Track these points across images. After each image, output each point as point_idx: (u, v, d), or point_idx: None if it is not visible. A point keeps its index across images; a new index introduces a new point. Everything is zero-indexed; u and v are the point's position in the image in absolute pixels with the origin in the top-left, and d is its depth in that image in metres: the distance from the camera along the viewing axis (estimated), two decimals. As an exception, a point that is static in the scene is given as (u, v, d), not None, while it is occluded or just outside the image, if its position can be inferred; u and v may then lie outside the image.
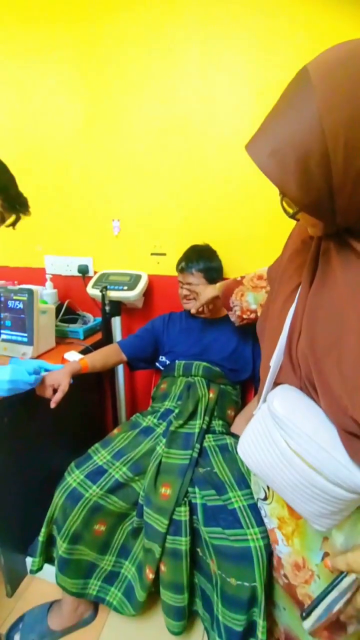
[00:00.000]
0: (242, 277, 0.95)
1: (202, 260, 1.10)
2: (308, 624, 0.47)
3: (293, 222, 0.68)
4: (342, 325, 0.46)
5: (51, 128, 1.29)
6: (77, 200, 1.34)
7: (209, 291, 1.01)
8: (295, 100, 0.40)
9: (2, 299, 1.06)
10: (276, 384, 0.57)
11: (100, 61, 1.18)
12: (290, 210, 0.48)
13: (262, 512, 0.70)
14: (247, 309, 0.91)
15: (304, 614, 0.48)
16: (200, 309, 1.04)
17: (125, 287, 1.23)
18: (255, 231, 1.19)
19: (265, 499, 0.68)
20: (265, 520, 0.68)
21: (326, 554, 0.55)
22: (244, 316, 0.93)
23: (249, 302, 0.91)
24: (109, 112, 1.22)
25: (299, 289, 0.56)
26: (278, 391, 0.53)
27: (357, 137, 0.37)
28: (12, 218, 0.79)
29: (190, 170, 1.20)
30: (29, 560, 1.03)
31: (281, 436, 0.50)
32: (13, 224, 0.80)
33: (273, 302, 0.63)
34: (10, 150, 1.35)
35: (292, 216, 0.48)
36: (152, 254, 1.31)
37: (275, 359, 0.56)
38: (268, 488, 0.67)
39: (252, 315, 0.91)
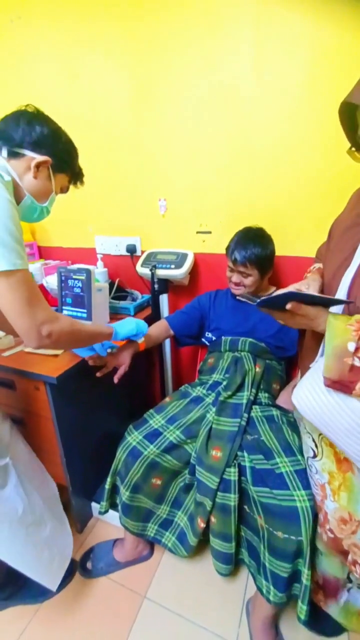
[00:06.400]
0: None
1: (257, 249, 1.04)
2: None
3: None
4: None
5: (98, 108, 1.32)
6: (124, 181, 1.38)
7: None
8: None
9: (63, 278, 1.16)
10: None
11: (147, 37, 1.16)
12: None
13: (314, 470, 0.75)
14: None
15: None
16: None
17: (172, 266, 1.28)
18: (304, 211, 1.15)
19: (315, 456, 0.73)
20: (317, 476, 0.73)
21: None
22: None
23: None
24: (156, 91, 1.21)
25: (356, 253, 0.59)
26: None
27: None
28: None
29: (236, 148, 1.17)
30: (94, 505, 1.20)
31: None
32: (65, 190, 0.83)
33: (330, 261, 0.66)
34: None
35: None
36: (197, 232, 1.33)
37: None
38: (316, 446, 0.72)
39: None
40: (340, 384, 0.55)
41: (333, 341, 0.55)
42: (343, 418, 0.56)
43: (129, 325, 0.96)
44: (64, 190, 0.80)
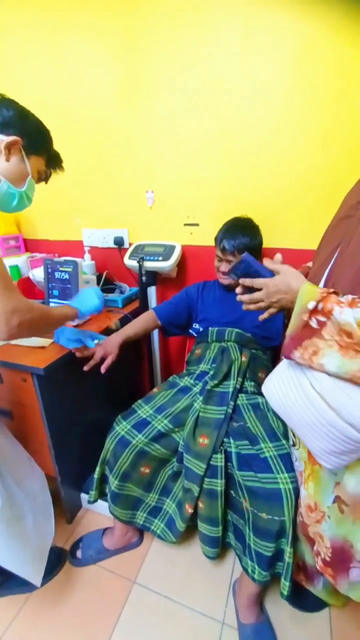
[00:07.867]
0: None
1: (245, 238, 1.05)
2: None
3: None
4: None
5: (86, 99, 1.30)
6: (112, 173, 1.37)
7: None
8: None
9: (50, 270, 1.15)
10: None
11: (137, 27, 1.15)
12: None
13: (294, 457, 0.78)
14: None
15: None
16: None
17: (160, 258, 1.28)
18: (292, 203, 1.17)
19: (294, 445, 0.75)
20: (297, 464, 0.76)
21: (337, 498, 0.63)
22: None
23: None
24: (144, 82, 1.20)
25: (338, 250, 0.61)
26: None
27: None
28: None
29: (224, 141, 1.18)
30: (83, 495, 1.21)
31: (307, 378, 0.56)
32: (45, 179, 0.82)
33: (318, 255, 0.69)
34: (45, 122, 1.37)
35: None
36: (185, 225, 1.34)
37: None
38: (294, 435, 0.74)
39: None
40: (293, 342, 0.56)
41: (300, 301, 0.56)
42: (305, 413, 0.57)
43: (90, 300, 0.92)
44: (42, 175, 0.78)
